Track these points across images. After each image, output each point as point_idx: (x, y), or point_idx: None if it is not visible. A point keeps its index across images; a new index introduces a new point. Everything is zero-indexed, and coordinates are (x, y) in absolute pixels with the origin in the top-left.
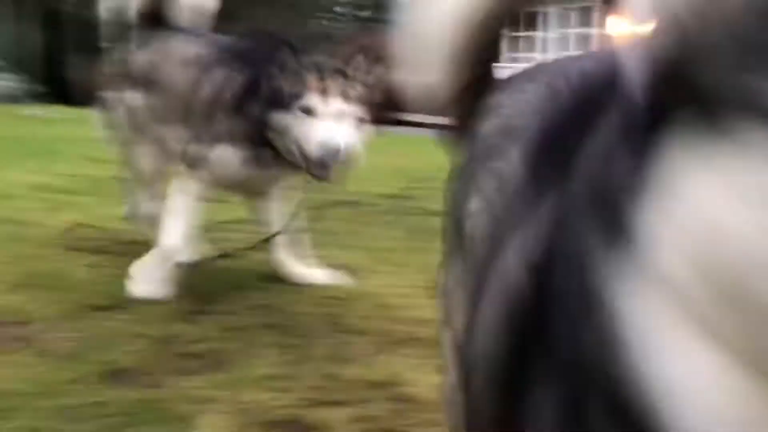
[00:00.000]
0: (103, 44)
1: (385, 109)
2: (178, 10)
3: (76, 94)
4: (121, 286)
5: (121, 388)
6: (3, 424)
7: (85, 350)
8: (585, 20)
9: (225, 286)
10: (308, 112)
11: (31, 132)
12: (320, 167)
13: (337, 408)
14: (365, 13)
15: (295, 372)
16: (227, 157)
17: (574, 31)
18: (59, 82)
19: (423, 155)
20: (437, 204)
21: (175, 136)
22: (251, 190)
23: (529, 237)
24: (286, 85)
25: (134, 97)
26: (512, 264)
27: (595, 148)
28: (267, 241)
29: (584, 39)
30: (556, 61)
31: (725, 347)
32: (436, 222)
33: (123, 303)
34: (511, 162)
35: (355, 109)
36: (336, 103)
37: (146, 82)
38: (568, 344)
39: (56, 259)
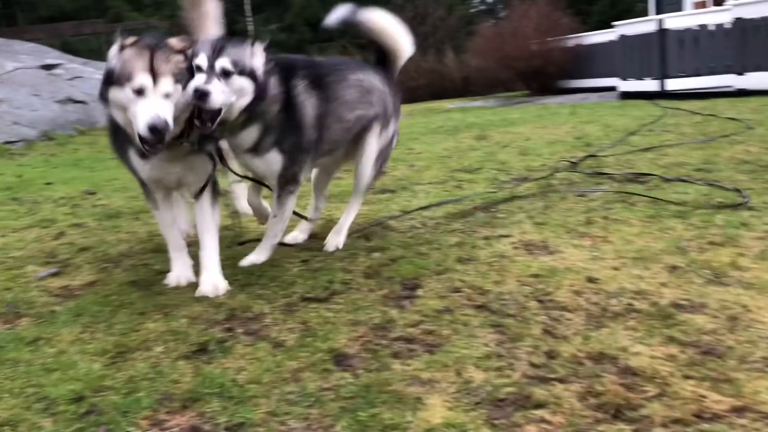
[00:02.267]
0: None
1: (547, 79)
2: None
3: None
4: (330, 278)
5: (344, 373)
6: (252, 410)
7: (310, 339)
8: None
9: (423, 271)
10: (139, 92)
11: None
12: (148, 143)
13: (564, 384)
14: None
15: (513, 350)
16: None
17: None
18: None
19: (597, 120)
20: (627, 170)
21: None
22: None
23: None
24: (119, 66)
25: None
26: None
27: None
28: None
29: None
30: None
31: None
32: (632, 189)
33: (335, 294)
34: None
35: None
36: (164, 85)
37: None
38: None
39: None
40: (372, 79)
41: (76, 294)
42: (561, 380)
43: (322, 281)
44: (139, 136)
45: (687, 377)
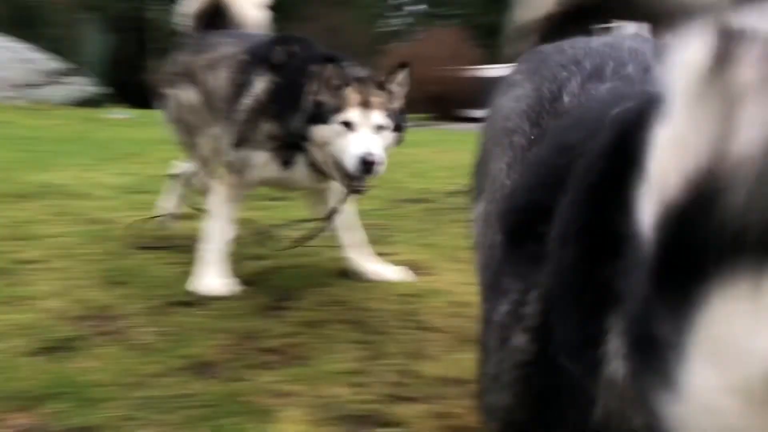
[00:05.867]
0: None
1: (448, 106)
2: (236, 8)
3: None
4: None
5: (204, 381)
6: (96, 413)
7: (169, 344)
8: None
9: (299, 283)
10: (348, 126)
11: (112, 134)
12: (356, 179)
13: (414, 404)
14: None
15: (372, 368)
16: (263, 162)
17: None
18: (137, 85)
19: None
20: None
21: (215, 134)
22: (289, 188)
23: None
24: (327, 99)
25: (179, 95)
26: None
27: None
28: (311, 237)
29: None
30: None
31: None
32: None
33: (202, 299)
34: (499, 180)
35: (390, 122)
36: (375, 117)
37: (187, 80)
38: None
39: (138, 257)
40: None
41: None
42: (411, 400)
43: (188, 286)
44: (347, 173)
45: None
